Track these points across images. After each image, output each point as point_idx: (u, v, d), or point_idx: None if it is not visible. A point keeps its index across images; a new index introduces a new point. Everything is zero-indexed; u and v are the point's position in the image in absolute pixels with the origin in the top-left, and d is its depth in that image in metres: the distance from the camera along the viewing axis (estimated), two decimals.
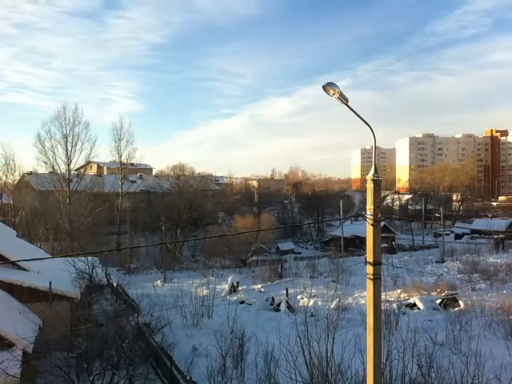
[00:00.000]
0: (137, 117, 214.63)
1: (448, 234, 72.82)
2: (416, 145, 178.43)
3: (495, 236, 59.99)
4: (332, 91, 7.02)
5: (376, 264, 7.76)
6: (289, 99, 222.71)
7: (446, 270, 42.64)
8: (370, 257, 7.81)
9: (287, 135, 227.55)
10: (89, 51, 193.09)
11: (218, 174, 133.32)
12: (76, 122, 56.46)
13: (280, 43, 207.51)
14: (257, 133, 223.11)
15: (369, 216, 7.73)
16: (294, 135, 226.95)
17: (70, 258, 24.41)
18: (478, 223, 76.56)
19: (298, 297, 30.43)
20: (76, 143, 56.19)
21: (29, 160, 77.69)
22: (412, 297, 29.20)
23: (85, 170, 64.79)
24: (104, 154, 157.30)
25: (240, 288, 34.95)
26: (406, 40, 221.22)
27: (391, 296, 28.85)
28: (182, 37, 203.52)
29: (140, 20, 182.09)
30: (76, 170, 61.06)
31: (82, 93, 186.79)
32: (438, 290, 31.02)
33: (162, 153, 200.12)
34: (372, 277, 7.76)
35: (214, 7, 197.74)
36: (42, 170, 62.12)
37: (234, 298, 31.73)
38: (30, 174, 68.12)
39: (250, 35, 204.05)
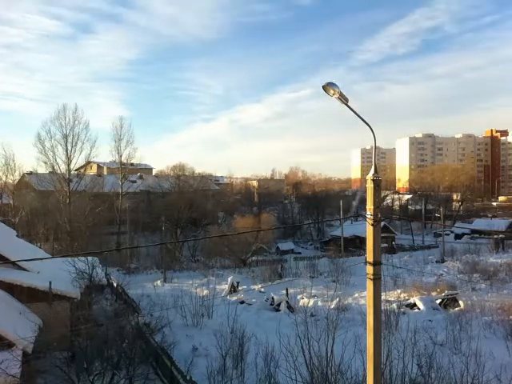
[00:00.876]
0: (125, 121, 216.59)
1: (448, 234, 72.83)
2: (416, 145, 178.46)
3: (495, 236, 60.00)
4: (332, 91, 7.02)
5: (376, 264, 7.76)
6: (261, 105, 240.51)
7: (445, 269, 42.63)
8: (369, 257, 7.82)
9: (267, 138, 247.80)
10: (71, 65, 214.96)
11: (218, 174, 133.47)
12: (76, 122, 56.53)
13: (245, 59, 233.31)
14: (236, 136, 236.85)
15: (369, 216, 7.74)
16: (273, 138, 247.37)
17: (69, 258, 24.42)
18: (478, 223, 76.57)
19: (298, 297, 30.44)
20: (76, 143, 56.25)
21: (29, 160, 77.72)
22: (412, 297, 29.19)
23: (85, 170, 64.81)
24: (104, 154, 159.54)
25: (240, 288, 34.94)
26: (352, 56, 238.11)
27: (391, 296, 28.84)
28: (153, 54, 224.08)
29: (112, 41, 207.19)
30: (76, 170, 61.08)
31: (67, 100, 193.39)
32: (438, 289, 31.01)
33: (154, 153, 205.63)
34: (372, 277, 7.76)
35: (178, 33, 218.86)
36: (42, 170, 62.19)
37: (234, 298, 31.72)
38: (30, 174, 68.11)
39: (214, 55, 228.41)
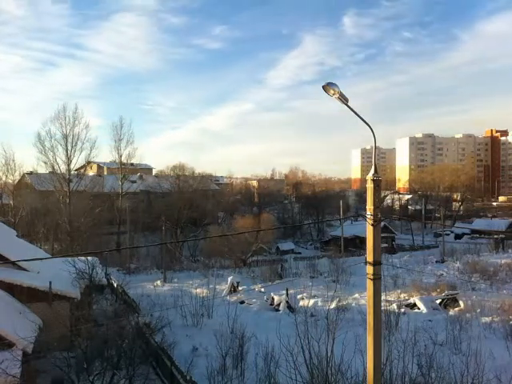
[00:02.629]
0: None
1: (448, 234, 72.82)
2: (416, 145, 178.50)
3: (495, 236, 60.01)
4: (332, 91, 7.03)
5: (376, 264, 7.77)
6: (215, 116, 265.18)
7: (445, 269, 42.63)
8: (370, 257, 7.82)
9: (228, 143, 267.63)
10: (44, 86, 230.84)
11: (218, 174, 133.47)
12: (76, 122, 56.55)
13: (184, 83, 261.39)
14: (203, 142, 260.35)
15: (369, 216, 7.74)
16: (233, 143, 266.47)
17: (70, 258, 24.42)
18: (478, 223, 76.61)
19: (298, 297, 30.42)
20: (76, 143, 56.26)
21: (29, 160, 77.74)
22: (412, 297, 29.18)
23: (85, 170, 64.84)
24: (104, 154, 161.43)
25: (240, 288, 34.93)
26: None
27: (391, 296, 28.84)
28: (111, 78, 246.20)
29: (71, 71, 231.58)
30: (76, 170, 61.10)
31: (49, 111, 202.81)
32: (438, 290, 31.01)
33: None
34: (372, 277, 7.77)
35: (126, 66, 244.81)
36: (42, 170, 62.21)
37: (234, 298, 31.71)
38: (30, 173, 68.12)
39: (158, 80, 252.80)
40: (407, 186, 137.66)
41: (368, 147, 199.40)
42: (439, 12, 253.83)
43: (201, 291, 30.95)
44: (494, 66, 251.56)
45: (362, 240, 50.82)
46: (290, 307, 27.72)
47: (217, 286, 32.85)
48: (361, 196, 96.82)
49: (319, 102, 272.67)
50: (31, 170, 68.10)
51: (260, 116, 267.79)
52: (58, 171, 56.22)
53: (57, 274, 21.65)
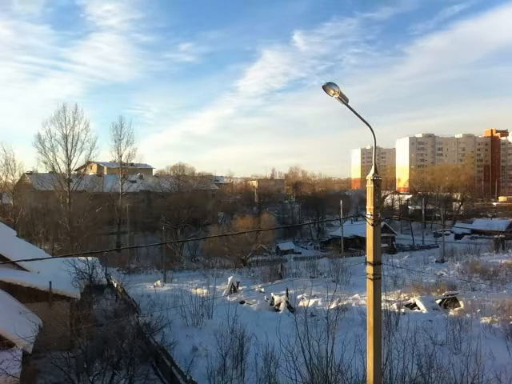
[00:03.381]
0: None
1: (448, 234, 72.87)
2: (416, 145, 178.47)
3: (495, 236, 60.01)
4: (332, 91, 7.02)
5: (376, 264, 7.76)
6: (199, 120, 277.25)
7: (445, 269, 42.63)
8: (369, 257, 7.82)
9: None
10: (35, 93, 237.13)
11: (218, 174, 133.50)
12: (76, 122, 56.59)
13: (173, 90, 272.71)
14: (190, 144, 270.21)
15: (369, 216, 7.74)
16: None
17: (70, 258, 24.42)
18: (478, 223, 76.60)
19: (298, 297, 30.40)
20: (76, 143, 56.31)
21: (29, 160, 77.74)
22: (412, 297, 29.17)
23: (85, 170, 64.82)
24: (104, 154, 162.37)
25: (240, 288, 34.94)
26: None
27: (391, 296, 28.82)
28: (99, 88, 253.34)
29: (59, 82, 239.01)
30: (76, 170, 61.11)
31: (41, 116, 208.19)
32: (438, 290, 31.01)
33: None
34: (372, 277, 7.76)
35: (110, 76, 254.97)
36: (42, 169, 62.27)
37: (234, 298, 31.72)
38: (30, 173, 68.14)
39: (141, 88, 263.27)
40: (407, 186, 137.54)
41: (368, 147, 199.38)
42: (379, 32, 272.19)
43: (201, 291, 30.94)
44: (442, 77, 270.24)
45: (362, 240, 50.84)
46: (289, 307, 27.71)
47: (217, 286, 32.83)
48: (361, 196, 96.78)
49: (293, 109, 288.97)
50: (31, 169, 68.18)
51: (241, 120, 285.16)
52: (58, 171, 56.24)
53: (57, 274, 21.66)
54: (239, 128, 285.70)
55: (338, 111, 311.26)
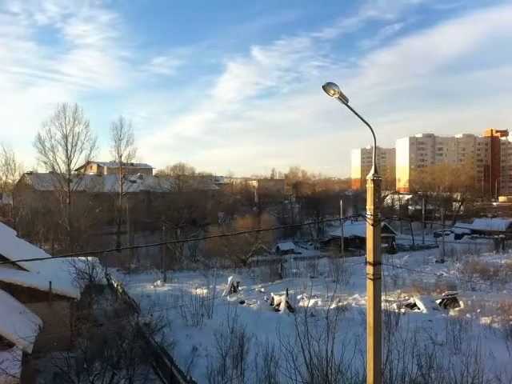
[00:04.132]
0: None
1: (448, 234, 72.83)
2: (416, 145, 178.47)
3: (495, 236, 60.01)
4: (332, 91, 7.02)
5: (376, 264, 7.76)
6: (185, 124, 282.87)
7: (445, 269, 42.63)
8: (369, 257, 7.82)
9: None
10: (27, 101, 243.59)
11: (218, 174, 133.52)
12: (76, 122, 56.68)
13: (156, 97, 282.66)
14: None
15: (369, 216, 7.74)
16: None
17: (70, 258, 24.42)
18: (478, 223, 76.55)
19: (298, 297, 30.39)
20: (76, 143, 56.42)
21: (29, 160, 77.76)
22: (412, 297, 29.18)
23: (85, 170, 64.86)
24: (104, 154, 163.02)
25: (240, 288, 34.93)
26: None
27: (391, 296, 28.82)
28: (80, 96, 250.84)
29: (48, 89, 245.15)
30: (76, 170, 61.15)
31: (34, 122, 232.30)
32: (438, 290, 31.00)
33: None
34: (372, 277, 7.76)
35: (99, 85, 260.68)
36: (42, 169, 62.30)
37: (234, 298, 31.72)
38: (30, 173, 68.15)
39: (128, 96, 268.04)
40: (407, 186, 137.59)
41: (368, 147, 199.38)
42: (330, 47, 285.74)
43: (201, 291, 30.93)
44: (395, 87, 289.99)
45: (362, 240, 50.86)
46: (289, 307, 27.71)
47: (217, 286, 32.84)
48: (361, 196, 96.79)
49: (270, 114, 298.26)
50: (31, 170, 68.20)
51: (224, 124, 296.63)
52: (58, 171, 56.29)
53: (57, 274, 21.66)
54: (225, 131, 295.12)
55: (325, 112, 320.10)
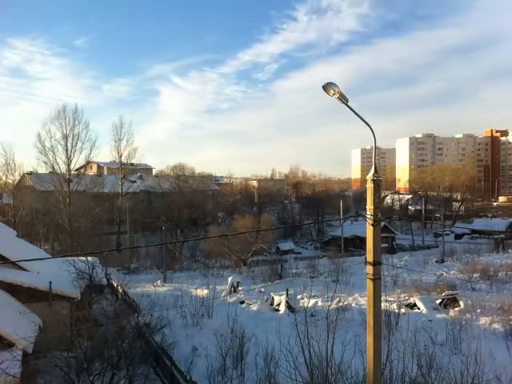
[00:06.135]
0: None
1: (448, 234, 72.83)
2: (416, 145, 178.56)
3: (495, 236, 60.02)
4: (332, 91, 7.02)
5: (376, 264, 7.77)
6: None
7: (446, 269, 42.63)
8: (369, 257, 7.82)
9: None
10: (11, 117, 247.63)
11: (218, 174, 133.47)
12: (76, 122, 56.65)
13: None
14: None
15: (369, 216, 7.74)
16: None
17: (70, 258, 24.42)
18: (478, 223, 76.61)
19: (298, 297, 30.38)
20: (76, 143, 56.38)
21: (29, 160, 77.73)
22: (412, 297, 29.17)
23: (85, 170, 64.84)
24: (104, 154, 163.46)
25: (240, 288, 34.94)
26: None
27: (391, 296, 28.82)
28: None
29: (29, 107, 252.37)
30: (76, 170, 61.13)
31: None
32: (438, 290, 30.98)
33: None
34: (372, 277, 7.77)
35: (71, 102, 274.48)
36: (42, 169, 62.26)
37: (234, 298, 31.72)
38: (30, 173, 68.16)
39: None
40: (407, 186, 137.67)
41: (368, 147, 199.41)
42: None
43: (201, 291, 30.94)
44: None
45: (362, 240, 50.86)
46: (289, 307, 27.70)
47: (217, 286, 32.83)
48: (361, 196, 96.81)
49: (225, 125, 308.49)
50: (31, 170, 68.20)
51: (188, 132, 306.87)
52: (58, 171, 56.26)
53: (57, 274, 21.66)
54: (190, 138, 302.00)
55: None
